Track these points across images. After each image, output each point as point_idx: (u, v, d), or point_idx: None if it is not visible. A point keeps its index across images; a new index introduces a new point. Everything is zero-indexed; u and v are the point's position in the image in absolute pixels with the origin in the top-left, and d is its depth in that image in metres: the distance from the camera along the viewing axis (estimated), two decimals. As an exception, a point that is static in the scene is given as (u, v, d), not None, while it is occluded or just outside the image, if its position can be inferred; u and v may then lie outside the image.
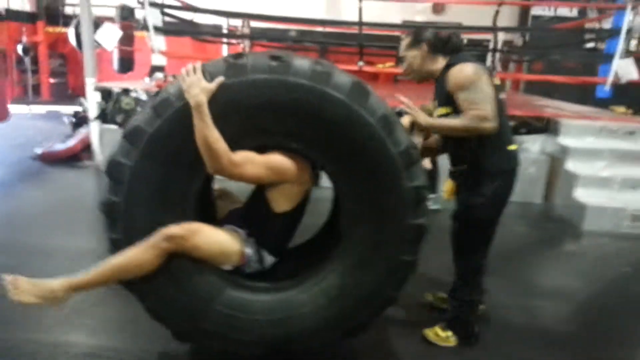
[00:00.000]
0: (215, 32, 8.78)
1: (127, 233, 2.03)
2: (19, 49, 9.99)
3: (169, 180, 2.01)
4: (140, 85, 5.72)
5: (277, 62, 1.92)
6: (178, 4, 6.81)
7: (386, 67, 10.08)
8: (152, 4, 5.17)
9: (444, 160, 4.79)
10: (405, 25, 8.96)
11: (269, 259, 2.22)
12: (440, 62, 2.49)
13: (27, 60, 10.15)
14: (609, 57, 5.62)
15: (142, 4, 5.20)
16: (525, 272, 3.65)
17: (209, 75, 1.91)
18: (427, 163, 4.70)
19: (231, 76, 1.91)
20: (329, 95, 1.91)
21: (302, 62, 1.94)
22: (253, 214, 2.20)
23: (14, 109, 8.35)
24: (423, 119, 2.30)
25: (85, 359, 2.37)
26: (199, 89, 1.85)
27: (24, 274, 2.97)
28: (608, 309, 3.20)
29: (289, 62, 1.92)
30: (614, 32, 5.76)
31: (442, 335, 2.66)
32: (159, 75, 5.69)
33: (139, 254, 1.97)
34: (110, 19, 9.01)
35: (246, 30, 9.36)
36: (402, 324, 2.85)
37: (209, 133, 1.85)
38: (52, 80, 10.06)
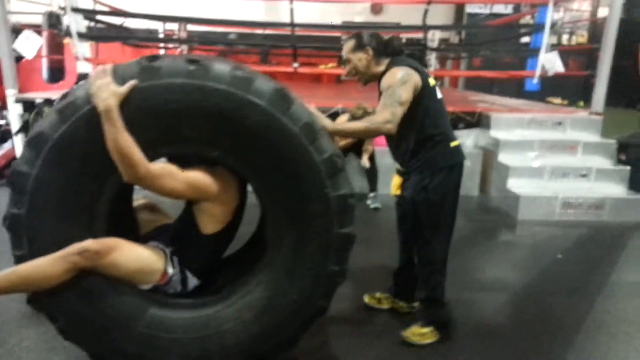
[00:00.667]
0: (149, 37, 8.53)
1: (32, 248, 1.89)
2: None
3: (76, 190, 1.87)
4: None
5: (195, 66, 1.83)
6: (106, 9, 6.57)
7: (328, 67, 10.13)
8: (75, 10, 4.95)
9: (384, 159, 4.88)
10: (343, 26, 8.99)
11: (193, 281, 2.12)
12: (383, 65, 2.54)
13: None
14: (535, 51, 5.80)
15: (64, 9, 4.97)
16: (463, 265, 3.69)
17: (120, 78, 1.79)
18: (365, 161, 4.71)
19: (145, 79, 1.80)
20: (249, 102, 1.83)
21: (221, 67, 1.86)
22: (180, 233, 2.10)
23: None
24: (328, 123, 2.27)
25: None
26: (108, 93, 1.73)
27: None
28: (542, 298, 3.27)
29: (207, 66, 1.84)
30: (539, 27, 5.95)
31: (424, 332, 2.66)
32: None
33: (47, 265, 1.84)
34: (38, 27, 8.65)
35: (183, 34, 9.17)
36: (340, 326, 2.82)
37: (120, 139, 1.73)
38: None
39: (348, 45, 2.56)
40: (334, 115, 4.91)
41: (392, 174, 2.81)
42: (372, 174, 4.90)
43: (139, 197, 2.55)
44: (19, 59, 6.13)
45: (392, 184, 2.76)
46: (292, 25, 5.94)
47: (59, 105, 1.86)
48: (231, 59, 9.02)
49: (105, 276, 1.93)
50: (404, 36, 10.38)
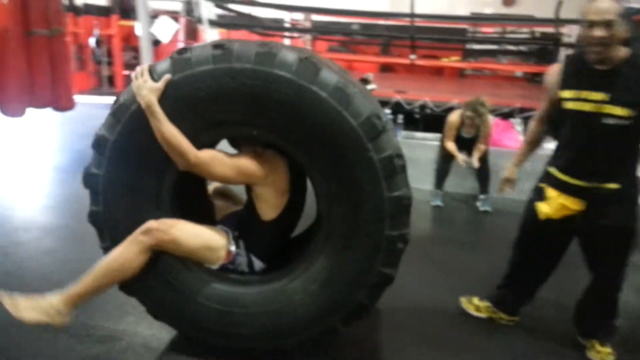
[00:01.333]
0: (274, 26, 8.83)
1: (113, 240, 2.06)
2: (92, 41, 10.54)
3: (140, 183, 2.02)
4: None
5: (220, 50, 1.87)
6: (236, -3, 6.90)
7: (451, 61, 9.80)
8: (207, -2, 5.26)
9: (497, 160, 4.60)
10: (468, 18, 8.60)
11: (259, 264, 2.19)
12: (622, 51, 2.13)
13: (99, 52, 10.69)
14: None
15: (197, -3, 5.30)
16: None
17: (156, 75, 1.91)
18: (474, 161, 4.48)
19: (177, 72, 1.89)
20: (275, 76, 1.84)
21: (244, 47, 1.88)
22: (243, 220, 2.19)
23: (89, 99, 8.84)
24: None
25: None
26: (147, 90, 1.87)
27: (71, 258, 3.12)
28: None
29: (231, 48, 1.88)
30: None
31: (604, 351, 2.50)
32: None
33: (122, 252, 1.98)
34: (176, 14, 9.34)
35: (307, 24, 9.38)
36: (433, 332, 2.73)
37: (165, 130, 1.86)
38: (125, 72, 10.52)
39: (615, 7, 2.07)
40: (364, 82, 4.79)
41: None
42: (483, 175, 4.66)
43: (213, 185, 2.64)
44: (156, 43, 6.66)
45: (549, 204, 2.37)
46: (412, 15, 5.81)
47: (112, 108, 2.01)
48: (352, 49, 9.06)
49: (177, 259, 2.06)
50: (538, 30, 9.74)
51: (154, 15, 6.03)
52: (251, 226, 2.14)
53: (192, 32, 9.63)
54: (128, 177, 2.02)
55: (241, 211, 2.33)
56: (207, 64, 1.87)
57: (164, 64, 1.94)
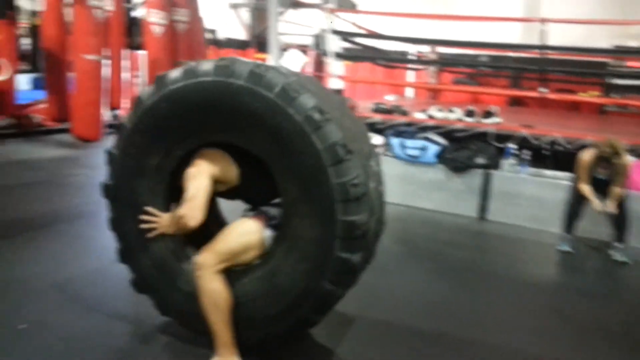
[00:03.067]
0: (397, 58, 8.88)
1: (118, 210, 2.35)
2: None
3: (145, 162, 2.28)
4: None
5: (221, 65, 2.10)
6: (362, 31, 7.06)
7: (590, 96, 9.09)
8: (334, 32, 5.44)
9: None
10: (607, 51, 7.94)
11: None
12: None
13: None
14: None
15: (325, 31, 5.51)
16: None
17: (168, 82, 2.16)
18: (611, 206, 4.06)
19: (185, 79, 2.14)
20: (261, 95, 2.02)
21: (242, 66, 2.08)
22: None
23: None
24: None
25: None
26: (164, 228, 2.26)
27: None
28: None
29: (231, 65, 2.07)
30: None
31: None
32: (332, 98, 5.94)
33: (207, 293, 2.12)
34: (306, 47, 9.79)
35: (432, 56, 9.31)
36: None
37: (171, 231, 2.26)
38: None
39: None
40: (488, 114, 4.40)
41: None
42: (620, 222, 4.19)
43: None
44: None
45: None
46: (543, 47, 5.50)
47: (132, 103, 2.29)
48: (480, 81, 8.78)
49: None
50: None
51: (285, 48, 6.36)
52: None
53: (319, 64, 10.02)
54: (145, 135, 2.25)
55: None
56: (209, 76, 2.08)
57: (175, 72, 2.18)
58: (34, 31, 10.41)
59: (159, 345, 2.36)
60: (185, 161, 2.21)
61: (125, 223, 2.35)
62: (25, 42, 10.84)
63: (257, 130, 2.06)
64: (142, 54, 8.75)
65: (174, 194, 2.30)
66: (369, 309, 2.95)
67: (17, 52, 8.38)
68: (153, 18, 6.46)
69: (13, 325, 2.46)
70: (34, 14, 9.97)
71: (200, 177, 2.11)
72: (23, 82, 9.33)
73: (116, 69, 7.54)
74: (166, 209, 2.31)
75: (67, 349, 2.32)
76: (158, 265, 2.32)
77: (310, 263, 2.09)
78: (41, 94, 9.29)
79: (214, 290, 2.11)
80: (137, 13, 8.16)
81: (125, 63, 8.08)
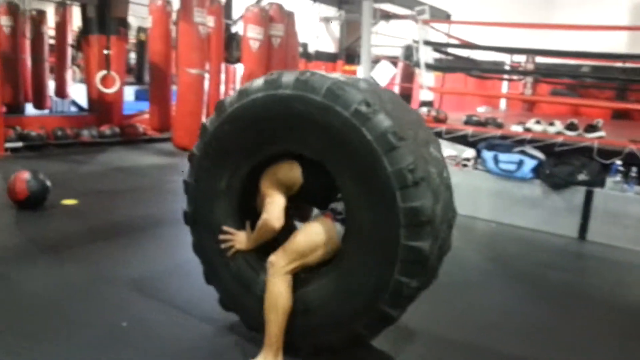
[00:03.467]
0: (492, 68, 8.59)
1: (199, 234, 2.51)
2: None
3: (222, 163, 2.40)
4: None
5: (269, 79, 2.20)
6: (455, 42, 6.92)
7: None
8: (426, 43, 5.39)
9: None
10: None
11: None
12: None
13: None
14: None
15: (417, 42, 5.47)
16: None
17: (228, 105, 2.30)
18: None
19: (239, 100, 2.27)
20: (309, 99, 2.09)
21: (287, 76, 2.16)
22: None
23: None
24: None
25: None
26: (239, 245, 2.40)
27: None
28: None
29: (278, 77, 2.17)
30: None
31: None
32: (423, 109, 5.87)
33: (272, 293, 2.21)
34: (395, 59, 9.77)
35: (530, 66, 8.92)
36: None
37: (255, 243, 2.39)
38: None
39: None
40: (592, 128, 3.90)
41: None
42: None
43: None
44: (375, 85, 7.01)
45: None
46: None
47: (216, 107, 2.39)
48: (581, 93, 8.28)
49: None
50: None
51: (375, 60, 6.39)
52: None
53: (408, 76, 9.96)
54: (214, 159, 2.39)
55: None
56: (260, 92, 2.20)
57: (231, 98, 2.33)
58: (139, 46, 11.23)
59: (252, 349, 2.43)
60: (252, 179, 2.36)
61: (206, 246, 2.49)
62: (131, 57, 11.71)
63: (310, 133, 2.13)
64: (237, 67, 9.17)
65: (246, 214, 2.45)
66: (456, 328, 2.86)
67: (125, 66, 9.09)
68: (251, 33, 6.75)
69: (117, 322, 2.64)
70: (139, 30, 10.75)
71: (271, 190, 2.27)
72: (128, 93, 10.09)
73: (214, 82, 7.95)
74: (241, 226, 2.43)
75: (162, 348, 2.45)
76: (240, 282, 2.43)
77: (378, 255, 2.06)
78: (144, 105, 10.01)
79: (278, 292, 2.20)
80: (236, 28, 8.56)
81: (222, 76, 8.48)
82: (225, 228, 2.42)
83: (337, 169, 2.13)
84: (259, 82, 2.23)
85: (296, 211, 2.53)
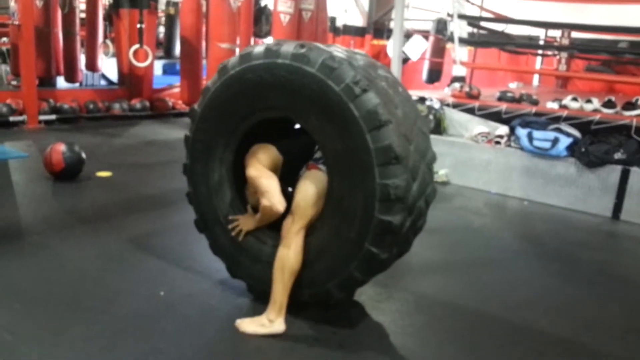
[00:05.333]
0: (526, 43, 8.36)
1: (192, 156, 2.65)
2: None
3: (218, 126, 2.53)
4: (436, 95, 5.91)
5: (268, 49, 2.30)
6: (490, 15, 6.74)
7: None
8: (461, 16, 5.26)
9: None
10: None
11: None
12: None
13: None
14: None
15: (451, 16, 5.34)
16: None
17: (230, 67, 2.39)
18: None
19: (242, 63, 2.37)
20: (305, 71, 2.19)
21: (286, 47, 2.26)
22: None
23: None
24: None
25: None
26: (246, 227, 2.54)
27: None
28: None
29: (278, 47, 2.27)
30: None
31: None
32: (455, 85, 5.76)
33: (282, 252, 2.33)
34: (426, 33, 9.57)
35: (565, 42, 8.65)
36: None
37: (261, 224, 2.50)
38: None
39: None
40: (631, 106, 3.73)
41: None
42: None
43: None
44: (405, 60, 6.92)
45: None
46: None
47: (219, 69, 2.48)
48: (617, 69, 8.00)
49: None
50: None
51: (406, 34, 6.27)
52: None
53: (439, 50, 9.77)
54: (212, 120, 2.52)
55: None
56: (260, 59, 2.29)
57: (234, 59, 2.42)
58: (168, 20, 11.24)
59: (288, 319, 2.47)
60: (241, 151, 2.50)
61: (201, 201, 2.67)
62: (160, 31, 11.73)
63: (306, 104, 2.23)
64: (267, 41, 9.11)
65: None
66: (487, 305, 2.85)
67: (156, 40, 9.12)
68: (281, 7, 6.68)
69: (155, 292, 2.71)
70: (169, 3, 10.74)
71: (263, 172, 2.35)
72: (156, 67, 10.14)
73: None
74: (232, 183, 2.59)
75: (201, 318, 2.51)
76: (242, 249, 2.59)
77: (351, 224, 2.21)
78: (172, 79, 10.05)
79: (288, 254, 2.31)
80: (265, 1, 8.48)
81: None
82: (231, 217, 2.57)
83: (322, 137, 2.24)
84: (259, 49, 2.33)
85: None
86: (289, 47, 2.24)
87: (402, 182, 2.12)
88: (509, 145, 5.06)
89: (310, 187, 2.32)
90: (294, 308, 2.45)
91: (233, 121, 2.48)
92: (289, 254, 2.32)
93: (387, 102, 2.15)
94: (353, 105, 2.10)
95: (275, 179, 2.36)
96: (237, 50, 6.71)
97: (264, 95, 2.34)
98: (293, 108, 2.29)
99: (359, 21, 12.27)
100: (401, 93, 2.38)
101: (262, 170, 2.35)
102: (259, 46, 2.36)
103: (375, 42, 11.64)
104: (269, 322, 2.36)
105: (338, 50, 2.28)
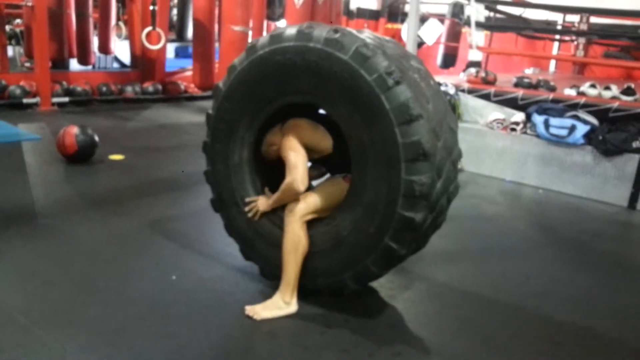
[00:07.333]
0: (544, 28, 8.20)
1: (213, 135, 2.62)
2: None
3: (245, 104, 2.49)
4: (451, 80, 5.82)
5: (301, 31, 2.24)
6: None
7: None
8: (478, 0, 5.15)
9: None
10: None
11: None
12: None
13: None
14: None
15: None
16: None
17: (258, 47, 2.35)
18: None
19: (271, 44, 2.32)
20: (337, 57, 2.15)
21: (319, 31, 2.20)
22: None
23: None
24: None
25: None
26: (262, 207, 2.52)
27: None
28: None
29: (310, 31, 2.20)
30: None
31: None
32: (471, 70, 5.67)
33: (292, 236, 2.33)
34: (441, 16, 9.42)
35: (583, 27, 8.47)
36: None
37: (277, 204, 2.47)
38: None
39: None
40: None
41: None
42: None
43: None
44: (419, 44, 6.81)
45: None
46: None
47: (247, 48, 2.45)
48: (635, 55, 7.85)
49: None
50: None
51: (422, 18, 6.16)
52: None
53: (454, 34, 9.61)
54: (236, 99, 2.48)
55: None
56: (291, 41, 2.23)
57: (264, 38, 2.36)
58: (180, 3, 11.16)
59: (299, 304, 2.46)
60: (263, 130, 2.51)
61: (218, 177, 2.64)
62: (173, 13, 11.66)
63: (334, 91, 2.18)
64: (279, 24, 9.03)
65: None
66: (501, 293, 2.83)
67: (168, 23, 9.06)
68: (294, -11, 6.59)
69: (167, 276, 2.71)
70: (181, -15, 10.65)
71: (296, 147, 2.32)
72: (169, 50, 10.10)
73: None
74: (252, 161, 2.58)
75: (211, 302, 2.51)
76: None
77: (372, 218, 2.18)
78: (184, 62, 10.00)
79: (298, 235, 2.33)
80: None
81: (264, 34, 8.38)
82: (247, 199, 2.56)
83: (350, 128, 2.20)
84: (291, 30, 2.27)
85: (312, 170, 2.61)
86: (321, 31, 2.18)
87: (428, 180, 2.07)
88: (525, 133, 4.99)
89: (335, 194, 2.37)
90: (307, 294, 2.44)
91: (258, 102, 2.43)
92: (300, 235, 2.33)
93: (418, 96, 2.09)
94: (384, 97, 2.04)
95: (305, 158, 2.34)
96: (250, 33, 6.65)
97: (292, 78, 2.27)
98: (321, 94, 2.23)
99: (373, 4, 12.10)
100: (432, 86, 2.31)
101: (297, 146, 2.33)
102: (291, 27, 2.29)
103: (390, 25, 11.46)
104: (285, 304, 2.38)
105: (370, 37, 2.20)
